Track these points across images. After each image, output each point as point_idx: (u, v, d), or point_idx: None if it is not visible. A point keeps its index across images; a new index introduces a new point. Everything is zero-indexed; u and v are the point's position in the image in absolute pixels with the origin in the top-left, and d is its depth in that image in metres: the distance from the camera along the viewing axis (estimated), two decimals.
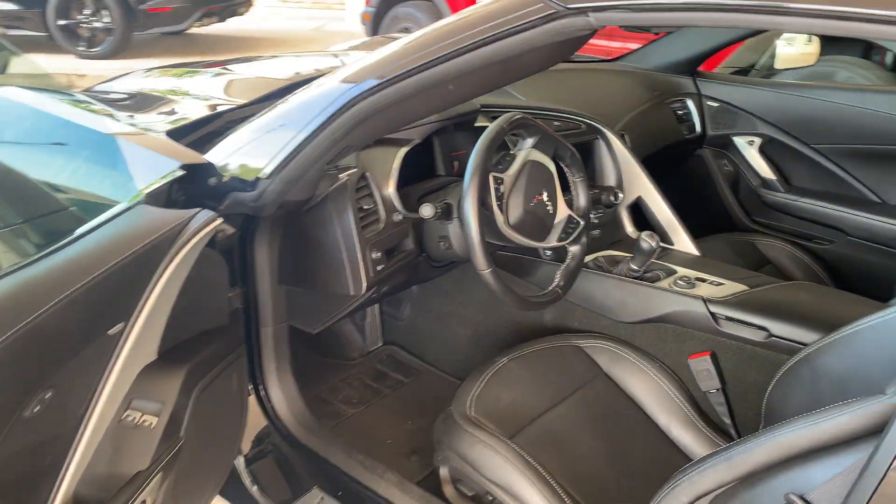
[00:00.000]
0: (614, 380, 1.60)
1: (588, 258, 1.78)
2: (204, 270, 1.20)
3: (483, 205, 1.36)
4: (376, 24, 5.71)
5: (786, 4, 0.86)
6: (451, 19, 1.14)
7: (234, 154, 1.32)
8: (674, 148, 2.31)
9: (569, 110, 1.88)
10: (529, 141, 1.46)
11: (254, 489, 1.45)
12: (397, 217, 1.45)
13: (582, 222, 1.55)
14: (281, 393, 1.52)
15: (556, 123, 1.82)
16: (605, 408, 1.55)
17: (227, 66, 2.25)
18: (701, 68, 2.42)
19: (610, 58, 2.49)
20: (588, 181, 1.57)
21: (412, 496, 1.39)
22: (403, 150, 1.47)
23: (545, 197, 1.46)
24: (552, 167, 1.50)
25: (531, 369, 1.58)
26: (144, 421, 1.04)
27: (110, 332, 0.98)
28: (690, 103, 2.36)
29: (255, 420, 1.51)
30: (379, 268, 1.40)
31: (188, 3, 6.93)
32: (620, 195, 1.89)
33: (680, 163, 2.44)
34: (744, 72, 2.74)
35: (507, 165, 1.42)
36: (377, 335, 2.08)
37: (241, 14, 7.81)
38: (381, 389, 1.93)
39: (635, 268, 1.68)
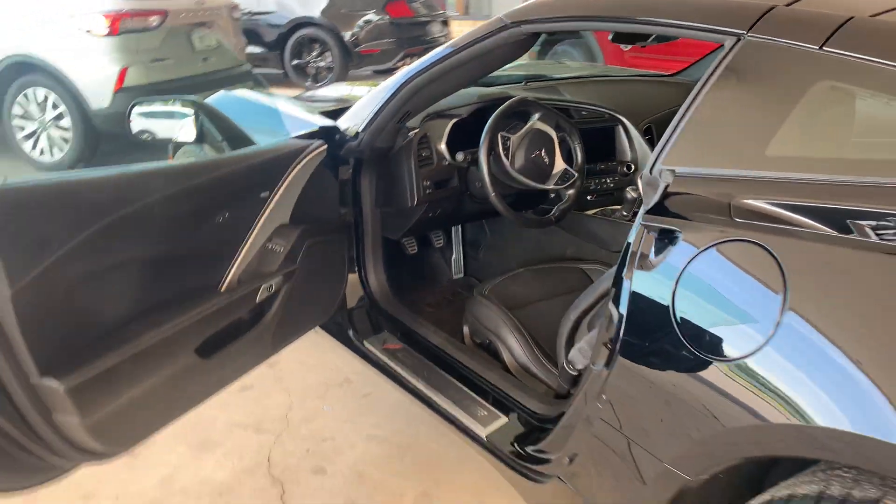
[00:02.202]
0: None
1: (598, 210, 2.47)
2: (322, 181, 2.07)
3: (494, 153, 2.13)
4: (541, 59, 6.56)
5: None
6: (458, 37, 1.94)
7: (349, 120, 2.21)
8: None
9: (598, 104, 2.59)
10: (536, 115, 2.21)
11: (349, 332, 2.29)
12: (445, 162, 2.26)
13: (576, 174, 2.25)
14: (374, 276, 2.37)
15: (583, 112, 2.54)
16: None
17: None
18: None
19: (668, 73, 3.12)
20: (583, 145, 2.28)
21: (442, 337, 2.17)
22: (453, 121, 2.28)
23: (543, 153, 2.19)
24: (553, 134, 2.22)
25: (539, 277, 2.31)
26: (277, 248, 1.92)
27: (262, 195, 1.87)
28: None
29: (357, 292, 2.36)
30: (428, 191, 2.22)
31: (393, 46, 8.23)
32: (633, 166, 2.56)
33: None
34: None
35: (517, 130, 2.18)
36: (460, 268, 2.88)
37: None
38: (455, 301, 2.72)
39: (625, 213, 2.35)
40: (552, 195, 2.31)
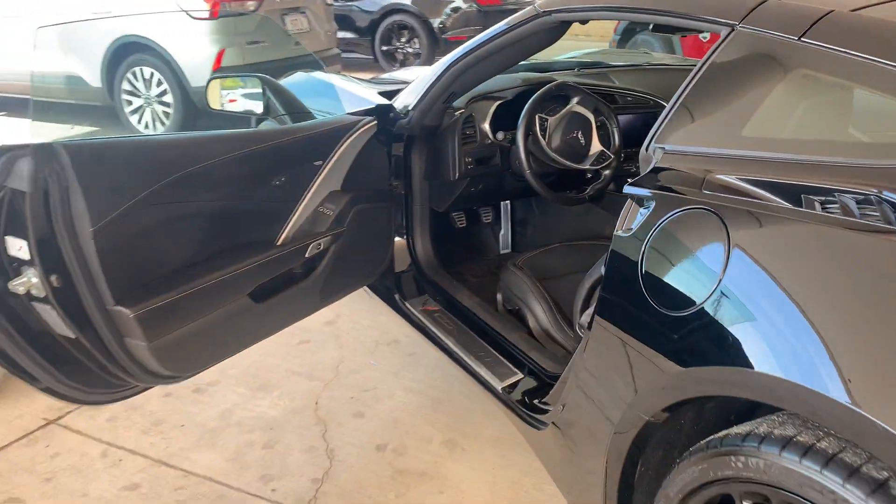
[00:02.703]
0: None
1: None
2: (374, 154, 2.28)
3: (532, 133, 2.29)
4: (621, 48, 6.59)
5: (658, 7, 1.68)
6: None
7: (402, 100, 2.41)
8: None
9: (643, 91, 2.70)
10: (575, 99, 2.35)
11: (395, 294, 2.50)
12: (487, 141, 2.43)
13: (612, 156, 2.38)
14: (421, 244, 2.57)
15: (628, 98, 2.66)
16: None
17: None
18: None
19: None
20: (621, 129, 2.41)
21: (475, 302, 2.35)
22: (497, 103, 2.45)
23: (579, 135, 2.33)
24: (591, 117, 2.36)
25: (572, 252, 2.46)
26: (327, 211, 2.14)
27: (315, 163, 2.10)
28: None
29: (407, 258, 2.57)
30: (469, 167, 2.40)
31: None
32: None
33: None
34: None
35: (555, 112, 2.32)
36: (507, 244, 3.05)
37: None
38: (497, 274, 2.89)
39: None
40: (589, 175, 2.44)
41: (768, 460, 1.10)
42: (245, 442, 2.26)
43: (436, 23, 8.34)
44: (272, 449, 2.23)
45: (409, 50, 8.56)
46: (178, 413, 2.41)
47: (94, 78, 6.17)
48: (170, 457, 2.20)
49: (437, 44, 8.38)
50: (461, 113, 2.40)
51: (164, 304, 1.70)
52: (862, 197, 1.11)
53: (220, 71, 5.64)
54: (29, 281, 1.56)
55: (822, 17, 1.34)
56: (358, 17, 8.66)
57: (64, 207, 1.53)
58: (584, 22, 1.98)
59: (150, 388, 1.95)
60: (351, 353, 2.75)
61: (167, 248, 1.76)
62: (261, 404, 2.45)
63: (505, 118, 2.46)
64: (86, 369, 1.76)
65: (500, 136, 2.42)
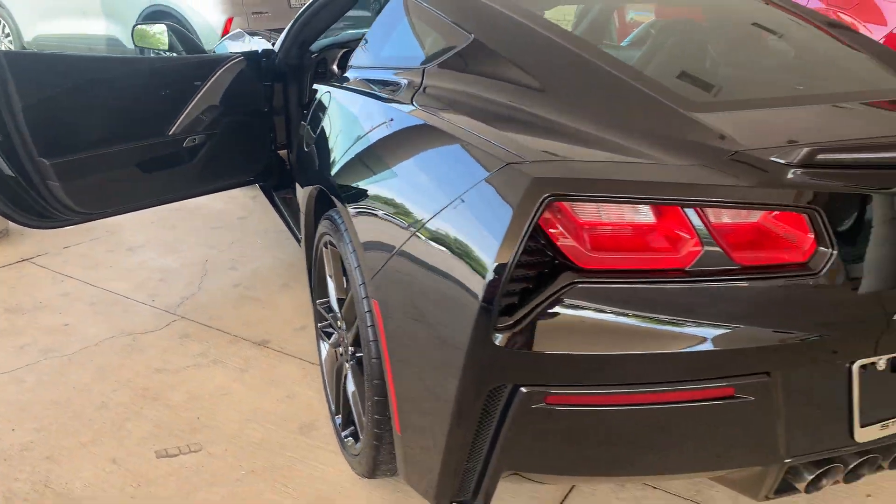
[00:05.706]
0: None
1: None
2: (248, 83, 3.23)
3: None
4: None
5: None
6: None
7: (276, 46, 3.36)
8: None
9: None
10: None
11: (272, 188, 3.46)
12: (333, 77, 3.37)
13: None
14: (294, 153, 3.53)
15: None
16: None
17: None
18: None
19: None
20: None
21: None
22: (343, 50, 3.38)
23: None
24: None
25: None
26: (204, 117, 3.11)
27: (195, 83, 3.07)
28: None
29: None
30: None
31: None
32: None
33: None
34: None
35: None
36: None
37: None
38: None
39: None
40: None
41: (325, 222, 2.02)
42: (147, 278, 3.28)
43: None
44: (164, 282, 3.24)
45: None
46: (112, 261, 3.44)
47: (129, 41, 7.32)
48: (96, 282, 3.24)
49: None
50: (315, 56, 3.34)
51: (74, 159, 2.70)
52: (391, 82, 2.02)
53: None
54: None
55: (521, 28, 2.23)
56: None
57: (5, 92, 2.55)
58: None
59: (75, 222, 2.95)
60: (246, 236, 3.75)
61: (80, 125, 2.76)
62: (168, 259, 3.47)
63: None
64: (27, 202, 2.78)
65: (338, 72, 3.36)
